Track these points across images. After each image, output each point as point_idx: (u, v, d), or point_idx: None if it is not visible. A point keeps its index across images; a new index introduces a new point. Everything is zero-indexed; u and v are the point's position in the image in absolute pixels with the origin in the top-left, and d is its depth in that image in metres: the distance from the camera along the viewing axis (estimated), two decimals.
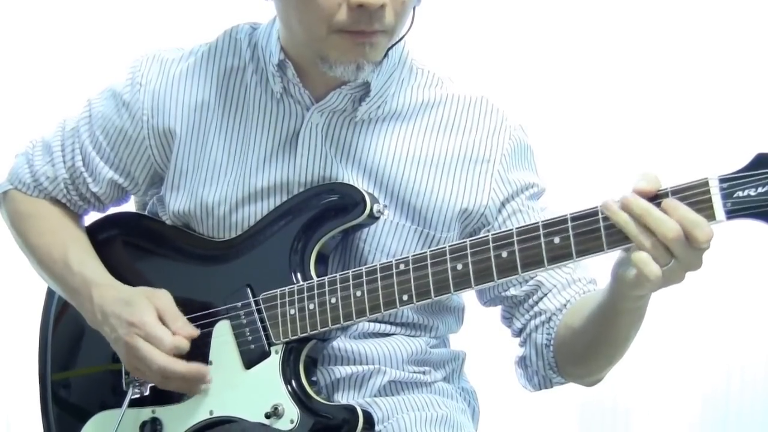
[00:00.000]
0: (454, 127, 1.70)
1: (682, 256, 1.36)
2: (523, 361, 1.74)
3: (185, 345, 1.64)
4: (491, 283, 1.48)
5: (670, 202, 1.35)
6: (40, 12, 3.03)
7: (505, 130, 1.71)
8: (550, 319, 1.68)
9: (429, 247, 1.63)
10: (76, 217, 1.85)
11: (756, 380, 3.01)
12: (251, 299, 1.65)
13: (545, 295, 1.68)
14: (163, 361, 1.62)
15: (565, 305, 1.67)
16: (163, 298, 1.67)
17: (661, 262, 1.36)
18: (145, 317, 1.63)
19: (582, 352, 1.65)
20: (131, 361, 1.65)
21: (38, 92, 2.99)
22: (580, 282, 1.69)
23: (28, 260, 1.85)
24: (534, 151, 1.76)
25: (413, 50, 1.74)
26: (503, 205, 1.70)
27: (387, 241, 1.69)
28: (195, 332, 1.65)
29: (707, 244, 1.35)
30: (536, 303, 1.69)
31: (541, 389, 1.73)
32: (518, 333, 1.73)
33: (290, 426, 1.57)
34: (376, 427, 1.65)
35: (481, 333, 2.14)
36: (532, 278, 1.68)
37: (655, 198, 1.36)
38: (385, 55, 1.62)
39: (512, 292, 1.70)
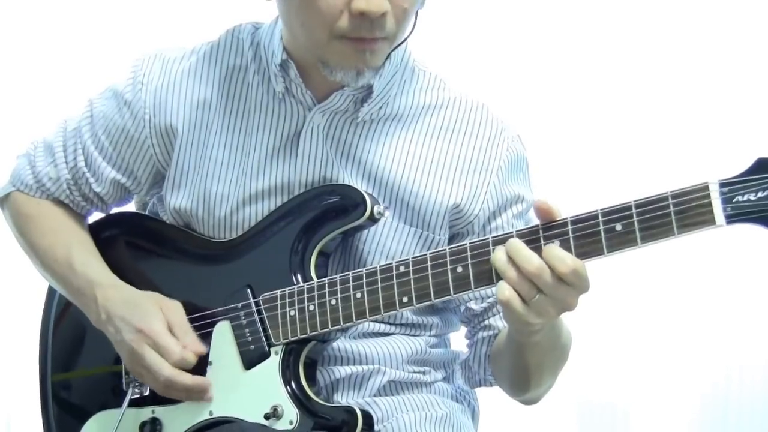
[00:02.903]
0: (455, 131, 1.71)
1: (550, 291, 1.42)
2: (465, 363, 1.79)
3: (192, 360, 1.63)
4: (491, 286, 1.49)
5: (548, 246, 1.42)
6: (39, 12, 3.02)
7: (504, 141, 1.72)
8: (496, 335, 1.73)
9: (429, 249, 1.64)
10: (79, 217, 1.85)
11: (755, 380, 3.01)
12: (251, 300, 1.65)
13: (498, 313, 1.73)
14: (169, 372, 1.61)
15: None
16: (175, 310, 1.67)
17: (525, 294, 1.42)
18: (154, 325, 1.63)
19: (503, 374, 1.72)
20: (135, 367, 1.65)
21: (38, 93, 2.98)
22: None
23: (31, 261, 1.84)
24: (529, 163, 1.77)
25: (414, 51, 1.74)
26: (490, 219, 1.71)
27: (387, 242, 1.69)
28: (203, 350, 1.65)
29: (572, 278, 1.41)
30: (488, 318, 1.74)
31: (479, 387, 1.81)
32: (468, 338, 1.79)
33: (289, 427, 1.58)
34: (376, 427, 1.65)
35: None
36: (491, 296, 1.72)
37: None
38: (387, 57, 1.63)
39: (471, 305, 1.74)
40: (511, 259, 1.43)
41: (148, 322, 1.63)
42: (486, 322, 1.74)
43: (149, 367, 1.62)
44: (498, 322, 1.72)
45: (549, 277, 1.41)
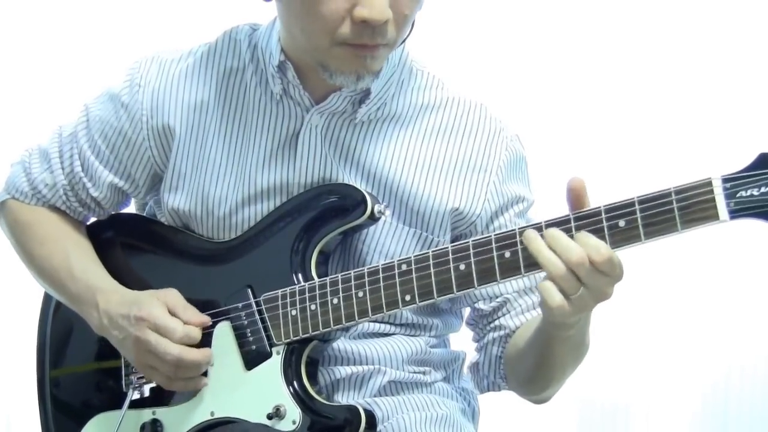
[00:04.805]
0: (453, 131, 1.71)
1: (589, 282, 1.40)
2: (475, 367, 1.78)
3: (197, 333, 1.63)
4: (494, 284, 1.49)
5: (580, 234, 1.40)
6: (31, 19, 3.02)
7: (502, 141, 1.72)
8: (508, 335, 1.73)
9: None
10: (77, 223, 1.84)
11: (755, 379, 3.01)
12: (252, 300, 1.64)
13: (509, 312, 1.72)
14: (177, 350, 1.61)
15: (522, 326, 1.72)
16: (171, 293, 1.67)
17: (569, 290, 1.41)
18: (153, 310, 1.63)
19: (523, 373, 1.70)
20: (142, 358, 1.64)
21: (30, 101, 2.97)
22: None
23: (28, 270, 1.83)
24: (528, 162, 1.77)
25: (412, 51, 1.74)
26: (492, 218, 1.71)
27: (386, 243, 1.69)
28: (206, 320, 1.65)
29: (607, 267, 1.39)
30: (498, 318, 1.73)
31: (488, 391, 1.80)
32: (477, 340, 1.78)
33: (292, 427, 1.57)
34: (377, 427, 1.64)
35: None
36: (500, 295, 1.71)
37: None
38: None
39: (480, 305, 1.73)
40: (553, 251, 1.40)
41: (147, 309, 1.63)
42: (496, 323, 1.73)
43: (156, 350, 1.61)
44: (509, 321, 1.72)
45: (591, 268, 1.39)
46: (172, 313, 1.64)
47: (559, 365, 1.63)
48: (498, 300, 1.72)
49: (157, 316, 1.62)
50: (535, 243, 1.42)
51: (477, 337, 1.77)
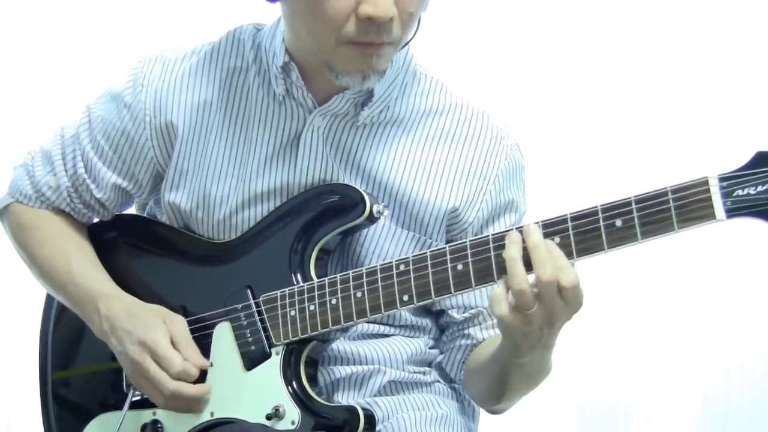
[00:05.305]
0: (455, 137, 1.71)
1: (548, 301, 1.42)
2: (439, 366, 1.80)
3: (194, 372, 1.63)
4: (491, 283, 1.49)
5: (554, 250, 1.42)
6: (33, 21, 3.02)
7: (503, 150, 1.72)
8: (474, 345, 1.74)
9: None
10: (79, 225, 1.83)
11: (756, 380, 3.01)
12: (251, 301, 1.65)
13: (479, 324, 1.73)
14: (174, 386, 1.61)
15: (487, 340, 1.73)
16: (178, 323, 1.67)
17: (523, 306, 1.42)
18: (157, 337, 1.63)
19: (478, 387, 1.73)
20: (138, 380, 1.65)
21: (32, 104, 2.97)
22: None
23: (31, 273, 1.83)
24: (526, 171, 1.77)
25: (416, 54, 1.74)
26: (483, 228, 1.71)
27: (384, 246, 1.69)
28: (205, 363, 1.65)
29: (571, 291, 1.41)
30: (468, 328, 1.74)
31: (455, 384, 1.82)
32: (444, 342, 1.79)
33: (291, 427, 1.58)
34: (376, 427, 1.64)
35: None
36: (474, 307, 1.72)
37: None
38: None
39: (453, 313, 1.74)
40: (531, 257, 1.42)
41: (152, 333, 1.63)
42: (465, 332, 1.74)
43: (152, 379, 1.62)
44: (477, 333, 1.73)
45: (556, 289, 1.41)
46: (174, 345, 1.64)
47: (514, 388, 1.65)
48: (471, 311, 1.73)
49: (159, 343, 1.63)
50: (511, 250, 1.44)
51: (444, 339, 1.78)
